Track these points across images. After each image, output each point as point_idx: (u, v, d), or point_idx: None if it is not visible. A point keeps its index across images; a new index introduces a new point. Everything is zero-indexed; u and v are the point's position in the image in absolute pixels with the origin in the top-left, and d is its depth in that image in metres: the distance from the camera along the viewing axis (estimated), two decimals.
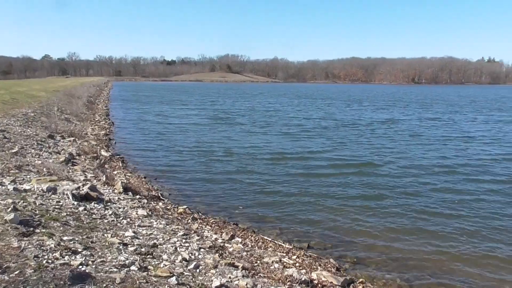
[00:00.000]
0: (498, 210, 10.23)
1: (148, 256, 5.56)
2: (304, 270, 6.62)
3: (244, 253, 6.97)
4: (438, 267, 7.36)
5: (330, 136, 22.53)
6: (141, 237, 6.39)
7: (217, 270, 5.66)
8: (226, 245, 7.25)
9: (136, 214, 7.79)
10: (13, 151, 10.32)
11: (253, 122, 29.87)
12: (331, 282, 6.23)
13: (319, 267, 6.95)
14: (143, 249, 5.73)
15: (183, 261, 5.71)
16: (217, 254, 6.45)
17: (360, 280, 6.66)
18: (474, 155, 17.50)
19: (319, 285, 6.15)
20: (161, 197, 10.33)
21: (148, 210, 8.40)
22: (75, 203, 7.02)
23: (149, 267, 5.10)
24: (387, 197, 11.24)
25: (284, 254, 7.33)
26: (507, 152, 18.12)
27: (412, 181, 12.98)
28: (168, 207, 9.50)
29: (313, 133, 24.03)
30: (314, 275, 6.42)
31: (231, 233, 8.09)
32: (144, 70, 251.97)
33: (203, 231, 7.99)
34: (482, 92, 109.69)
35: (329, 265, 7.14)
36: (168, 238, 6.72)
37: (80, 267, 4.41)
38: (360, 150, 18.39)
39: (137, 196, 9.46)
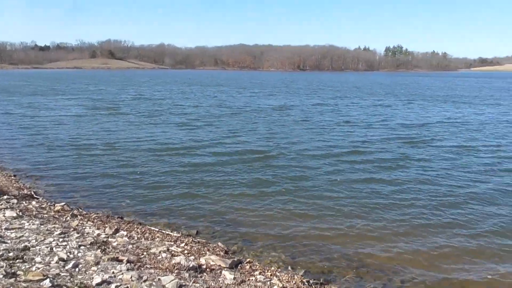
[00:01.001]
0: (376, 189, 11.07)
1: (17, 260, 5.06)
2: (192, 257, 6.65)
3: (130, 246, 6.73)
4: (319, 243, 7.90)
5: (221, 124, 22.61)
6: (9, 241, 5.78)
7: (99, 266, 5.39)
8: (110, 240, 6.93)
9: (4, 216, 7.01)
10: None
11: (139, 111, 28.64)
12: (219, 265, 6.36)
13: (207, 252, 7.04)
14: (11, 254, 5.20)
15: (60, 262, 5.33)
16: (99, 250, 6.13)
17: (248, 260, 6.92)
18: (360, 137, 18.87)
19: (207, 269, 6.23)
20: (34, 196, 9.43)
21: (18, 210, 7.62)
22: None
23: (18, 272, 4.65)
24: (275, 183, 11.56)
25: (172, 243, 7.27)
26: (389, 134, 19.90)
27: (302, 165, 13.51)
28: (43, 206, 8.73)
29: (204, 121, 23.86)
30: (202, 260, 6.49)
31: (115, 227, 7.75)
32: (11, 56, 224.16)
33: (84, 227, 7.51)
34: (360, 78, 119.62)
35: (217, 249, 7.28)
36: (43, 238, 6.19)
37: None
38: (252, 137, 18.68)
39: (5, 197, 8.50)
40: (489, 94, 50.97)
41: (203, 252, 7.03)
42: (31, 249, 5.60)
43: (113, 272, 5.24)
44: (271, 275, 6.23)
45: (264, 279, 5.96)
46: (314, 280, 6.24)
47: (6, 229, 6.32)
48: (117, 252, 6.24)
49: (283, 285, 5.80)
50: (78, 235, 6.81)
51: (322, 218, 9.11)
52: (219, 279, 5.74)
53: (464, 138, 18.82)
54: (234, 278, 5.78)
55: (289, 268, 6.82)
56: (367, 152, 15.65)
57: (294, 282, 6.02)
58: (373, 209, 9.61)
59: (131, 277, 5.15)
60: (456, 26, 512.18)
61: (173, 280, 5.21)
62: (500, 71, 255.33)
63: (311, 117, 26.56)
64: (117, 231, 7.53)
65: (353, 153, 15.47)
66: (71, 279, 4.83)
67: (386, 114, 28.70)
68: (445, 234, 8.29)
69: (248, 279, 5.88)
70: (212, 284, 5.47)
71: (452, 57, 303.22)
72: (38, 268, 4.89)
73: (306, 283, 6.05)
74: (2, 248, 5.31)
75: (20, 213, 7.43)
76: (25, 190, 9.85)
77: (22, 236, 6.14)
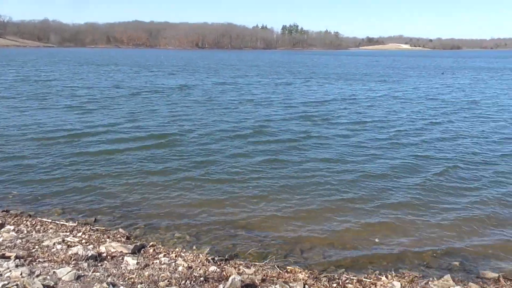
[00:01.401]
0: (280, 169, 11.31)
1: None
2: (91, 246, 6.34)
3: (18, 241, 6.19)
4: (223, 222, 8.02)
5: (119, 107, 21.33)
6: None
7: None
8: None
9: None
10: None
11: (23, 95, 25.56)
12: (121, 252, 6.17)
13: (108, 240, 6.77)
14: None
15: None
16: None
17: (151, 243, 6.81)
18: (263, 116, 19.23)
19: (108, 257, 6.00)
20: None
21: None
22: None
23: None
24: (178, 167, 11.27)
25: (68, 233, 6.84)
26: (291, 112, 20.53)
27: (206, 148, 13.34)
28: None
29: (99, 104, 22.31)
30: (102, 248, 6.23)
31: (0, 221, 7.04)
32: None
33: None
34: (259, 56, 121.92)
35: (118, 236, 7.04)
36: None
37: None
38: (153, 120, 17.88)
39: None
40: (377, 72, 55.63)
41: (103, 240, 6.75)
42: None
43: None
44: (176, 256, 6.22)
45: (168, 260, 5.93)
46: (219, 257, 6.38)
47: None
48: (4, 249, 5.70)
49: (188, 264, 5.84)
50: None
51: (226, 199, 9.22)
52: (121, 265, 5.58)
53: (358, 115, 20.18)
54: (137, 263, 5.66)
55: (194, 247, 6.88)
56: (271, 131, 15.93)
57: (199, 260, 6.08)
58: (277, 189, 9.83)
59: (21, 274, 4.76)
60: (346, 7, 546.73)
61: (70, 271, 4.94)
62: (384, 50, 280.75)
63: (213, 96, 26.50)
64: (2, 226, 6.85)
65: (257, 133, 15.68)
66: None
67: (287, 92, 29.72)
68: (343, 209, 8.76)
69: (152, 263, 5.81)
70: (114, 271, 5.30)
71: (343, 36, 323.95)
72: None
73: (211, 260, 6.16)
74: None
75: None
76: None
77: None
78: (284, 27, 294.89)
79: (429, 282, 5.77)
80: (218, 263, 6.14)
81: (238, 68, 59.63)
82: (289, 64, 74.64)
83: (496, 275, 6.12)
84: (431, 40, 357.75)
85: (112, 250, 6.19)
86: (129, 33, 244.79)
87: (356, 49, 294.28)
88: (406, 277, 5.96)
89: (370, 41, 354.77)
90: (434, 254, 6.92)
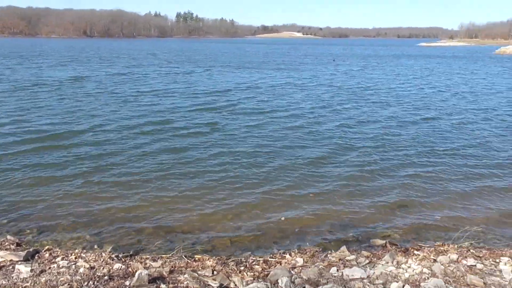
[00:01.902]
0: (183, 159, 11.21)
1: None
2: None
3: None
4: (126, 218, 7.75)
5: (3, 105, 18.76)
6: None
7: None
8: None
9: None
10: None
11: None
12: (11, 260, 5.62)
13: None
14: None
15: None
16: None
17: (47, 247, 6.30)
18: (166, 107, 18.79)
19: None
20: None
21: None
22: None
23: None
24: (74, 164, 10.56)
25: None
26: (193, 102, 20.32)
27: (106, 141, 12.67)
28: None
29: None
30: None
31: None
32: None
33: None
34: (154, 45, 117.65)
35: (7, 243, 6.38)
36: None
37: None
38: (44, 117, 16.12)
39: None
40: (275, 60, 57.43)
41: None
42: None
43: None
44: (75, 257, 5.85)
45: (68, 263, 5.55)
46: (123, 253, 6.16)
47: None
48: None
49: (90, 265, 5.54)
50: None
51: (128, 193, 8.89)
52: (13, 275, 5.09)
53: (264, 103, 20.54)
54: (32, 270, 5.22)
55: (96, 246, 6.55)
56: (174, 126, 15.31)
57: (102, 259, 5.80)
58: (179, 182, 9.62)
59: None
60: None
61: None
62: (279, 38, 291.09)
63: (109, 89, 24.89)
64: None
65: (160, 127, 14.97)
66: None
67: (188, 82, 29.23)
68: (246, 195, 8.94)
69: (49, 268, 5.40)
70: (4, 282, 4.82)
71: (239, 24, 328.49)
72: None
73: (115, 258, 5.91)
74: None
75: None
76: None
77: None
78: (178, 15, 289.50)
79: (328, 255, 6.24)
80: (123, 259, 5.92)
81: (133, 58, 57.02)
82: (187, 53, 73.63)
83: (383, 241, 6.85)
84: (321, 29, 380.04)
85: (1, 259, 5.61)
86: (3, 20, 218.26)
87: (252, 37, 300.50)
88: (308, 253, 6.37)
89: (265, 29, 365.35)
90: (332, 230, 7.50)
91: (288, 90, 26.01)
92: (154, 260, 5.91)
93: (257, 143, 13.11)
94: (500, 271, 5.47)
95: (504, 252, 6.24)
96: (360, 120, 16.77)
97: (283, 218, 7.86)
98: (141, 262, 5.79)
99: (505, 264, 5.69)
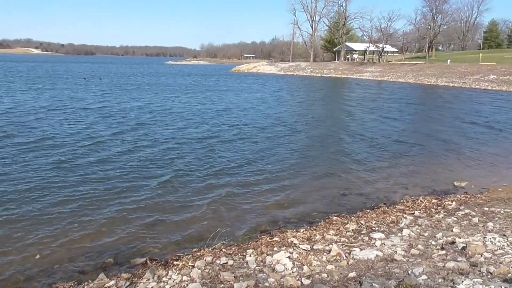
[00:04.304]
0: None
1: None
2: None
3: None
4: None
5: None
6: None
7: None
8: None
9: None
10: None
11: None
12: None
13: None
14: None
15: None
16: None
17: None
18: None
19: None
20: None
21: None
22: None
23: None
24: None
25: None
26: None
27: None
28: None
29: None
30: None
31: None
32: None
33: None
34: None
35: None
36: None
37: None
38: None
39: None
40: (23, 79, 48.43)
41: None
42: None
43: None
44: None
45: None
46: None
47: None
48: None
49: None
50: None
51: None
52: None
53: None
54: None
55: None
56: None
57: None
58: None
59: None
60: None
61: None
62: (13, 54, 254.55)
63: None
64: None
65: None
66: None
67: None
68: None
69: None
70: None
71: None
72: None
73: None
74: None
75: None
76: None
77: None
78: None
79: (85, 287, 5.73)
80: None
81: None
82: None
83: (143, 259, 6.74)
84: (63, 45, 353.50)
85: None
86: None
87: None
88: None
89: None
90: (87, 256, 6.93)
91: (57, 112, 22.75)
92: None
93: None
94: (247, 262, 6.20)
95: (248, 245, 7.10)
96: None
97: (37, 256, 6.84)
98: None
99: (250, 255, 6.49)
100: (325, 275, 5.57)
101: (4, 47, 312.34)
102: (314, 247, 6.75)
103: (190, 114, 23.78)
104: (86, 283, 5.88)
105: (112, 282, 5.75)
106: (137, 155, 13.68)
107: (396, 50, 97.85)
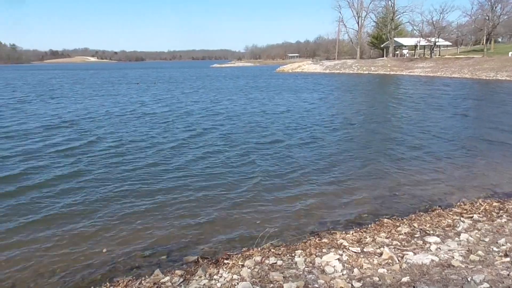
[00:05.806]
0: None
1: None
2: None
3: None
4: None
5: None
6: None
7: None
8: None
9: None
10: None
11: None
12: None
13: None
14: None
15: None
16: None
17: None
18: None
19: None
20: None
21: None
22: None
23: None
24: None
25: None
26: None
27: None
28: None
29: None
30: None
31: None
32: None
33: None
34: None
35: None
36: None
37: None
38: None
39: None
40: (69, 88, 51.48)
41: None
42: None
43: None
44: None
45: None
46: None
47: None
48: None
49: None
50: None
51: None
52: None
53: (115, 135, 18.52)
54: None
55: None
56: None
57: None
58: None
59: None
60: (24, 19, 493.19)
61: None
62: (72, 63, 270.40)
63: None
64: None
65: None
66: None
67: None
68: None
69: None
70: None
71: (22, 49, 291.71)
72: None
73: None
74: None
75: None
76: None
77: None
78: None
79: (142, 282, 5.97)
80: None
81: None
82: None
83: (195, 257, 6.93)
84: (116, 53, 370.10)
85: None
86: None
87: (40, 63, 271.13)
88: (120, 284, 5.96)
89: (55, 54, 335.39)
90: (144, 255, 7.22)
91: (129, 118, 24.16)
92: None
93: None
94: (296, 263, 6.18)
95: (297, 246, 7.09)
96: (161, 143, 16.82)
97: (104, 250, 7.31)
98: None
99: (299, 256, 6.47)
100: (377, 279, 5.44)
101: (65, 57, 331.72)
102: (365, 250, 6.61)
103: (256, 116, 24.08)
104: (143, 278, 6.12)
105: (167, 278, 5.95)
106: (210, 158, 14.03)
107: (450, 43, 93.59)
